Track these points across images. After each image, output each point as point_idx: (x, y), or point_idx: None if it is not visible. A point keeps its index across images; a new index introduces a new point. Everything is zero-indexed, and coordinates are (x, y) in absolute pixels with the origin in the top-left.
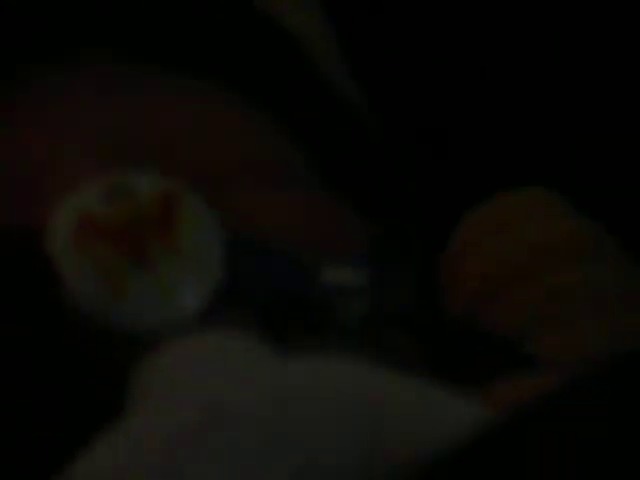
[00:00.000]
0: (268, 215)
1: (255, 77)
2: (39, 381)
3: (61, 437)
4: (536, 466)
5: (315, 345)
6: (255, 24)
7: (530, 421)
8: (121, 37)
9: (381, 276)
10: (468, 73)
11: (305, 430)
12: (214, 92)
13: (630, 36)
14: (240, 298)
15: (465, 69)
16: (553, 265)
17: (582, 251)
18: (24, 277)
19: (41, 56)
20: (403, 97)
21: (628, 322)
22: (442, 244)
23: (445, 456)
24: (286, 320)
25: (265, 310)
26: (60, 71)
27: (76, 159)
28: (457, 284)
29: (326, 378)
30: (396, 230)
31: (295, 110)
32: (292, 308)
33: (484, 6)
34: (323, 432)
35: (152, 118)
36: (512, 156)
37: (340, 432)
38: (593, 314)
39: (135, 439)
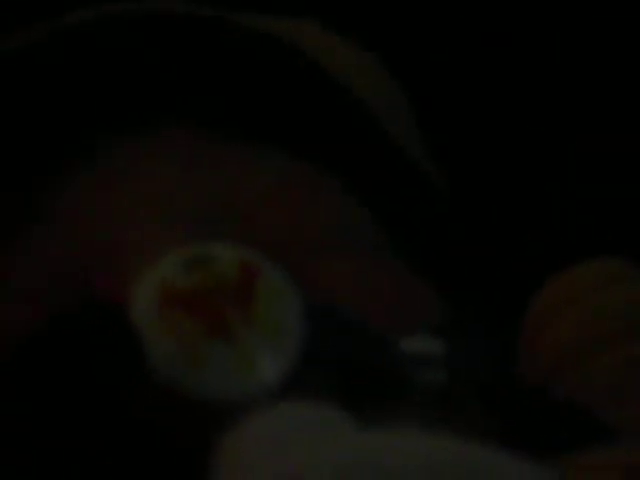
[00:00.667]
0: (345, 283)
1: (326, 145)
2: (121, 449)
3: None
4: None
5: (393, 415)
6: (325, 91)
7: None
8: (199, 107)
9: (458, 345)
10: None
11: None
12: (288, 161)
13: (630, 36)
14: (318, 368)
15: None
16: (634, 333)
17: None
18: (110, 347)
19: (120, 127)
20: (472, 160)
21: None
22: (520, 312)
23: None
24: (364, 390)
25: (343, 380)
26: (139, 142)
27: (156, 230)
28: (536, 352)
29: (408, 451)
30: (472, 298)
31: (367, 178)
32: (370, 378)
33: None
34: None
35: (230, 188)
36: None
37: None
38: None
39: None
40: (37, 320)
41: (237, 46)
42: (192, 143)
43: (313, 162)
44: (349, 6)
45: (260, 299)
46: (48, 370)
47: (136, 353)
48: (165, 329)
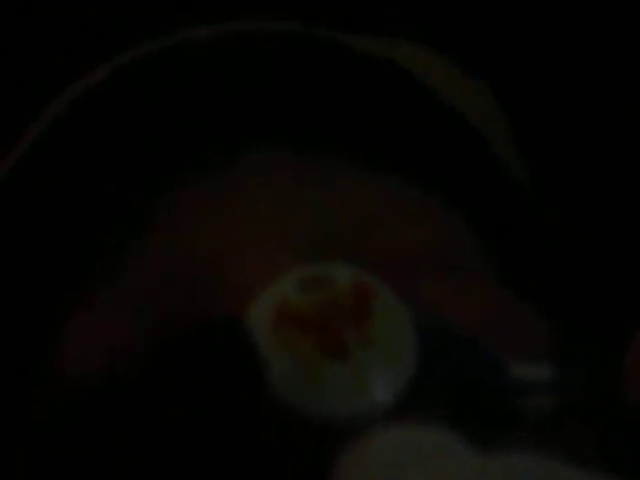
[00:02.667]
0: (455, 306)
1: (432, 165)
2: (239, 465)
3: None
4: None
5: (504, 440)
6: (431, 110)
7: None
8: (308, 130)
9: (564, 370)
10: None
11: None
12: (392, 182)
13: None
14: (432, 390)
15: None
16: None
17: None
18: (228, 362)
19: (229, 149)
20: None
21: None
22: (627, 337)
23: None
24: (476, 413)
25: (456, 402)
26: (249, 161)
27: (270, 251)
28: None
29: (524, 475)
30: (578, 324)
31: (473, 200)
32: (483, 401)
33: None
34: None
35: (343, 208)
36: None
37: None
38: None
39: None
40: (152, 337)
41: (352, 68)
42: (301, 164)
43: (422, 184)
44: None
45: (375, 320)
46: (168, 385)
47: (253, 369)
48: (282, 346)
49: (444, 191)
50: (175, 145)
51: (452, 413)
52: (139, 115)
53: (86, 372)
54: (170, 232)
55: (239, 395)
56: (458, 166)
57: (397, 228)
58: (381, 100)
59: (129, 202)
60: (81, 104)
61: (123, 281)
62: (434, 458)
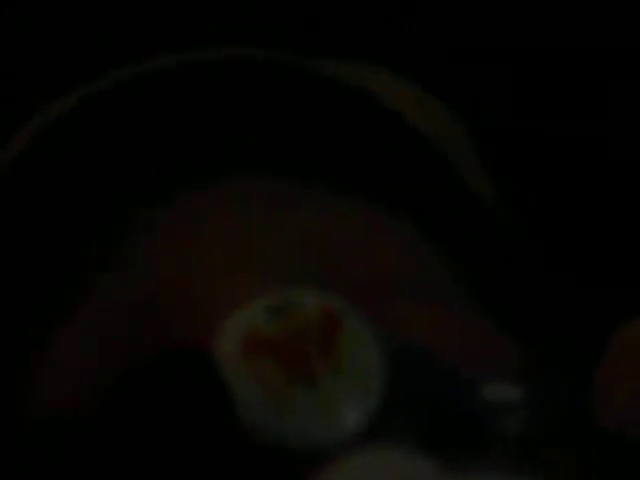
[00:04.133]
0: (424, 330)
1: (399, 188)
2: None
3: None
4: None
5: (474, 461)
6: (396, 132)
7: None
8: (272, 154)
9: (535, 391)
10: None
11: None
12: (361, 206)
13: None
14: (402, 414)
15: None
16: None
17: None
18: (195, 393)
19: (198, 177)
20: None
21: None
22: (595, 356)
23: None
24: (447, 436)
25: (427, 424)
26: (218, 190)
27: (238, 277)
28: (612, 395)
29: None
30: (547, 344)
31: (440, 221)
32: (453, 424)
33: None
34: None
35: (308, 235)
36: None
37: None
38: None
39: None
40: (119, 367)
41: (323, 94)
42: (271, 190)
43: (394, 211)
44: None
45: (343, 345)
46: (134, 417)
47: (221, 398)
48: (250, 375)
49: (415, 216)
50: (143, 174)
51: (423, 437)
52: (110, 142)
53: (53, 404)
54: (137, 259)
55: (207, 425)
56: (426, 191)
57: (369, 253)
58: (351, 126)
59: (95, 230)
60: (46, 132)
61: (91, 310)
62: None
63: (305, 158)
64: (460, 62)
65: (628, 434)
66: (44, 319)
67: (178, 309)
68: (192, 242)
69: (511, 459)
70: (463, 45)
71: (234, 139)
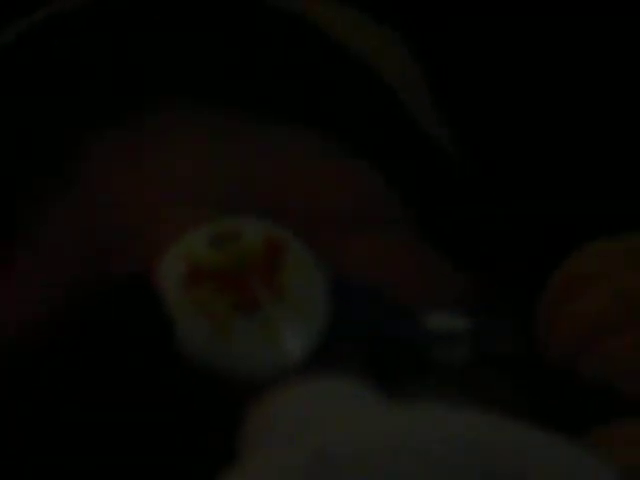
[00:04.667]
0: (371, 261)
1: (349, 122)
2: (146, 422)
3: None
4: None
5: (417, 389)
6: (345, 67)
7: None
8: (215, 86)
9: (482, 322)
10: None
11: None
12: (309, 138)
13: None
14: (344, 342)
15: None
16: None
17: None
18: (136, 320)
19: (138, 105)
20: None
21: None
22: (539, 289)
23: None
24: (389, 365)
25: (368, 354)
26: (148, 120)
27: (178, 207)
28: (554, 331)
29: (436, 425)
30: (494, 276)
31: (390, 155)
32: (395, 352)
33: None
34: None
35: (252, 165)
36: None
37: None
38: None
39: None
40: (60, 301)
41: (262, 24)
42: (211, 120)
43: (340, 142)
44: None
45: (286, 274)
46: (77, 348)
47: (162, 326)
48: (192, 305)
49: (364, 149)
50: (89, 100)
51: (365, 365)
52: (48, 71)
53: None
54: (74, 194)
55: (147, 353)
56: (373, 122)
57: (317, 187)
58: (293, 56)
59: (44, 157)
60: None
61: (30, 244)
62: (345, 409)
63: (244, 87)
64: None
65: (570, 366)
66: None
67: (118, 241)
68: (130, 174)
69: (454, 388)
70: None
71: (174, 70)
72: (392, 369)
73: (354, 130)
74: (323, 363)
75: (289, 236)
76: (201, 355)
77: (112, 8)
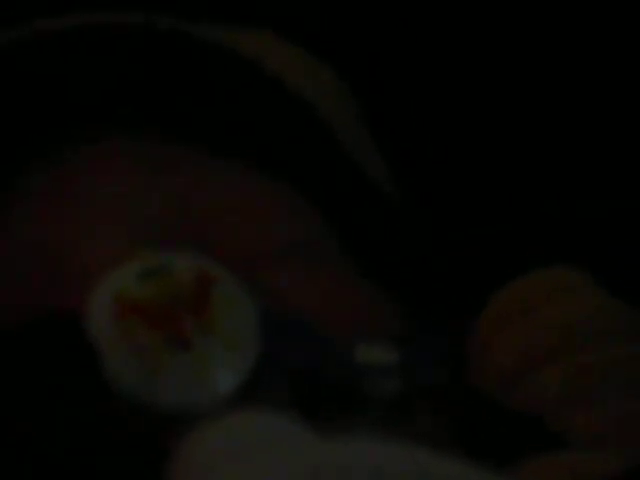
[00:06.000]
0: (300, 295)
1: (287, 158)
2: (76, 455)
3: None
4: None
5: (347, 423)
6: (283, 104)
7: None
8: (148, 116)
9: (412, 355)
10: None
11: None
12: (245, 172)
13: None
14: (274, 376)
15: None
16: (583, 344)
17: (613, 329)
18: (66, 358)
19: (63, 136)
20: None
21: None
22: (470, 321)
23: None
24: (318, 399)
25: (297, 389)
26: (90, 149)
27: (110, 239)
28: (486, 363)
29: (370, 458)
30: (426, 309)
31: (327, 192)
32: (324, 387)
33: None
34: None
35: (185, 198)
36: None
37: None
38: (625, 394)
39: None
40: None
41: (196, 61)
42: (148, 151)
43: (275, 176)
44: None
45: (216, 308)
46: (1, 382)
47: (92, 363)
48: (121, 339)
49: (299, 183)
50: (15, 132)
51: (296, 399)
52: None
53: None
54: (9, 222)
55: (76, 390)
56: (309, 157)
57: (247, 220)
58: (228, 89)
59: None
60: None
61: None
62: (275, 443)
63: (184, 120)
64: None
65: (500, 399)
66: None
67: (49, 271)
68: (63, 204)
69: (385, 420)
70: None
71: (111, 98)
72: (322, 402)
73: (290, 165)
74: (253, 397)
75: (221, 270)
76: (130, 389)
77: (50, 39)
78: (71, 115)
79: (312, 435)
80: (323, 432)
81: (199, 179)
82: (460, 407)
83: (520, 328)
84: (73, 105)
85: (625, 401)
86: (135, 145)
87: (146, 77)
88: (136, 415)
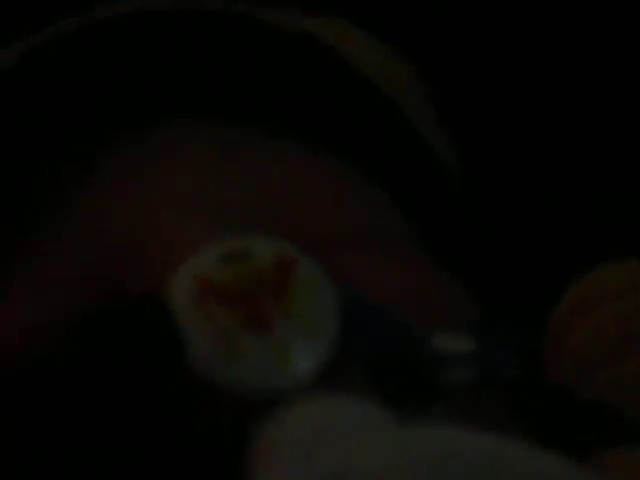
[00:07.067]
0: (378, 281)
1: (351, 138)
2: (155, 437)
3: None
4: None
5: (423, 411)
6: (355, 86)
7: None
8: (219, 99)
9: (487, 343)
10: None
11: None
12: (319, 156)
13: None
14: (352, 362)
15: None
16: None
17: None
18: (147, 337)
19: (140, 124)
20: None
21: None
22: (547, 309)
23: None
24: (397, 385)
25: (376, 375)
26: (160, 138)
27: (190, 223)
28: (562, 352)
29: (450, 445)
30: (500, 297)
31: (395, 174)
32: (402, 373)
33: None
34: None
35: (263, 182)
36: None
37: None
38: None
39: None
40: (70, 317)
41: (265, 44)
42: (227, 136)
43: (343, 159)
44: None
45: (296, 292)
46: (87, 364)
47: (173, 345)
48: (202, 322)
49: (367, 169)
50: (93, 116)
51: (373, 385)
52: (55, 89)
53: (3, 353)
54: (87, 208)
55: (159, 372)
56: (381, 143)
57: (319, 205)
58: (302, 74)
59: (47, 177)
60: None
61: (42, 258)
62: (356, 430)
63: (261, 106)
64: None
65: (578, 390)
66: None
67: (130, 257)
68: (143, 189)
69: (462, 409)
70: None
71: (185, 83)
72: (400, 389)
73: (357, 147)
74: (333, 382)
75: (299, 254)
76: (212, 372)
77: (110, 27)
78: (137, 104)
79: (392, 421)
80: (401, 418)
81: (275, 162)
82: (537, 398)
83: (595, 319)
84: (149, 91)
85: None
86: (213, 130)
87: (215, 60)
88: (217, 397)
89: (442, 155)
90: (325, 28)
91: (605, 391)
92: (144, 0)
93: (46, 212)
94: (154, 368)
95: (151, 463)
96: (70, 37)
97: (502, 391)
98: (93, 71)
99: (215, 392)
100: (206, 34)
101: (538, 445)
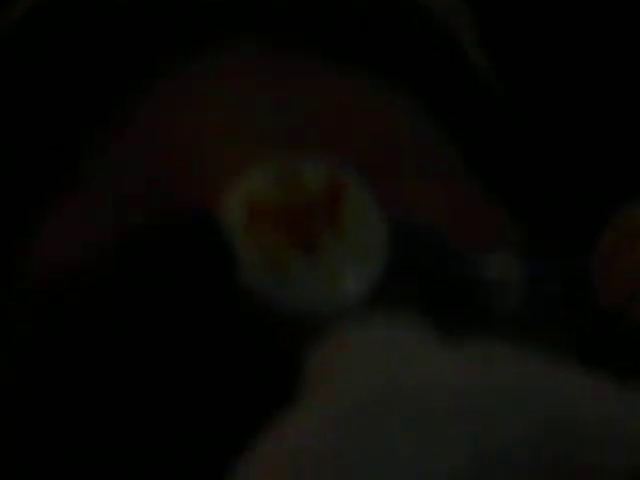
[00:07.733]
0: (424, 203)
1: (406, 65)
2: (205, 354)
3: (228, 421)
4: None
5: (474, 332)
6: (407, 11)
7: None
8: (277, 27)
9: (536, 267)
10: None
11: (481, 422)
12: (367, 79)
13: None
14: (402, 285)
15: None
16: None
17: None
18: (200, 255)
19: (199, 45)
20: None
21: None
22: (595, 232)
23: None
24: (446, 307)
25: (426, 297)
26: (219, 58)
27: (239, 143)
28: (613, 274)
29: (499, 367)
30: (550, 222)
31: (444, 97)
32: (452, 296)
33: None
34: (498, 424)
35: (311, 104)
36: None
37: (516, 426)
38: None
39: (314, 419)
40: (128, 224)
41: None
42: (275, 60)
43: (393, 83)
44: None
45: (347, 214)
46: (139, 275)
47: (225, 261)
48: (253, 242)
49: (416, 93)
50: (140, 45)
51: (423, 307)
52: (106, 16)
53: (58, 262)
54: (139, 130)
55: (210, 288)
56: (427, 62)
57: (369, 128)
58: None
59: (100, 97)
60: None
61: (94, 177)
62: (405, 350)
63: (309, 30)
64: None
65: (626, 313)
66: (47, 179)
67: (182, 178)
68: (194, 111)
69: (509, 332)
70: None
71: (235, 9)
72: (450, 310)
73: (406, 69)
74: (382, 304)
75: (350, 176)
76: (261, 291)
77: None
78: (201, 23)
79: (443, 342)
80: (449, 340)
81: (327, 86)
82: (587, 320)
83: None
84: (205, 14)
85: None
86: (262, 54)
87: None
88: (266, 317)
89: (486, 77)
90: None
91: None
92: None
93: (96, 132)
94: (206, 283)
95: (201, 381)
96: None
97: (551, 314)
98: None
99: (265, 310)
100: None
101: (586, 368)
